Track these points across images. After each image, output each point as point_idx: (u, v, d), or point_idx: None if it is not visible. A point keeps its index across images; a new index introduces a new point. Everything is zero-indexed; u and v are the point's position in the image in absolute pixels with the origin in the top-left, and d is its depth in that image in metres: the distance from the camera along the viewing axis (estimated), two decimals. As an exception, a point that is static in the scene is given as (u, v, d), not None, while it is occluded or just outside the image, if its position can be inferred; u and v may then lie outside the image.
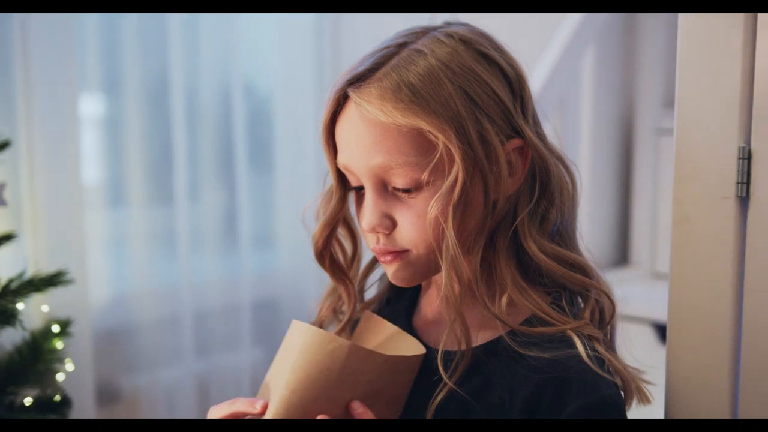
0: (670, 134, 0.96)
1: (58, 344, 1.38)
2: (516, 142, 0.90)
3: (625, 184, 2.28)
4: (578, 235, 1.00)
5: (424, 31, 0.91)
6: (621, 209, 2.28)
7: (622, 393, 0.91)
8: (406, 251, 0.91)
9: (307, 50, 2.43)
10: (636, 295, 1.99)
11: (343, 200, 0.96)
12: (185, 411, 2.21)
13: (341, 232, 1.00)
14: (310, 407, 0.85)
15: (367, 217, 0.90)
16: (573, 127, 2.01)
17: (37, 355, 1.35)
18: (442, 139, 0.84)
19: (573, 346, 0.88)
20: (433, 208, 0.86)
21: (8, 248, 1.54)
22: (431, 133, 0.85)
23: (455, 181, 0.85)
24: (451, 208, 0.86)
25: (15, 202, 1.78)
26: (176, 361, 2.19)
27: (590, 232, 2.17)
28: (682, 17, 0.93)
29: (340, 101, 0.90)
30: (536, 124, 0.95)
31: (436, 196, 0.86)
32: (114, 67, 2.05)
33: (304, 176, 2.40)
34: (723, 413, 0.92)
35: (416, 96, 0.85)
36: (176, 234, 2.16)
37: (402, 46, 0.89)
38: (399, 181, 0.88)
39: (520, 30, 2.15)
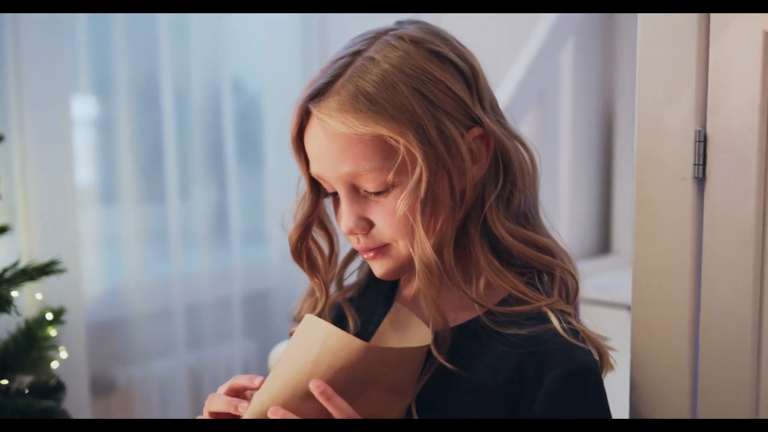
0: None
1: (52, 332, 1.43)
2: (476, 131, 0.94)
3: (606, 174, 2.32)
4: (541, 215, 1.03)
5: (376, 36, 0.95)
6: (602, 199, 2.33)
7: (598, 360, 0.95)
8: (387, 245, 0.95)
9: (295, 47, 2.48)
10: (617, 283, 2.04)
11: (315, 205, 1.00)
12: (178, 402, 2.25)
13: (317, 232, 1.04)
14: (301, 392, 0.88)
15: (344, 221, 0.95)
16: (553, 119, 2.06)
17: (31, 343, 1.40)
18: (403, 143, 0.89)
19: (548, 321, 0.92)
20: (401, 207, 0.90)
21: (2, 244, 1.58)
22: (391, 137, 0.89)
23: (419, 179, 0.89)
24: (418, 205, 0.90)
25: (9, 198, 1.83)
26: (169, 353, 2.23)
27: (572, 222, 2.22)
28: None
29: (304, 116, 0.94)
30: (494, 110, 0.99)
31: (402, 195, 0.90)
32: (104, 66, 2.09)
33: (293, 172, 2.40)
34: (684, 383, 0.97)
35: (373, 104, 0.89)
36: (168, 230, 2.21)
37: (356, 54, 0.93)
38: (369, 185, 0.92)
39: (500, 23, 2.20)
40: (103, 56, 2.08)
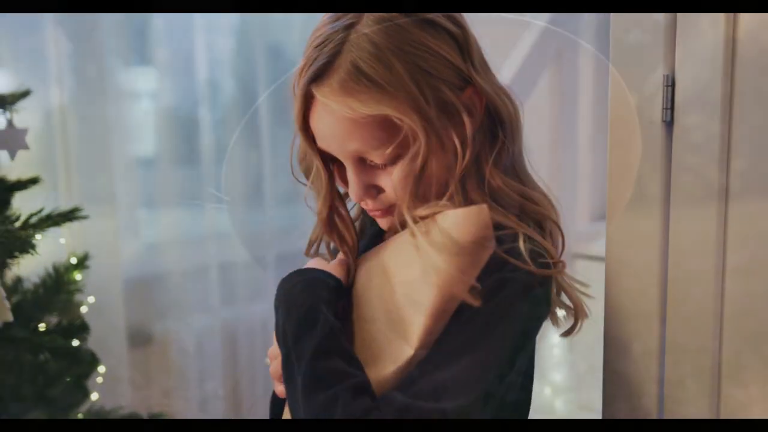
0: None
1: (77, 276, 1.52)
2: (469, 91, 0.96)
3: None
4: (528, 167, 1.05)
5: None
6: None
7: (571, 310, 0.97)
8: (394, 205, 0.99)
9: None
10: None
11: (331, 179, 1.01)
12: (214, 355, 2.35)
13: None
14: None
15: (354, 191, 0.98)
16: (572, 80, 2.07)
17: (59, 286, 1.50)
18: (407, 121, 0.91)
19: (516, 240, 0.93)
20: (397, 176, 0.94)
21: (40, 200, 1.68)
22: (396, 117, 0.91)
23: (418, 151, 0.92)
24: (419, 171, 0.93)
25: (50, 158, 1.93)
26: (205, 308, 2.33)
27: (593, 181, 2.24)
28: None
29: (308, 98, 0.95)
30: (483, 66, 1.00)
31: (401, 167, 0.94)
32: (142, 31, 2.17)
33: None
34: (653, 315, 1.02)
35: (375, 84, 0.90)
36: (204, 191, 2.31)
37: (349, 28, 0.93)
38: (376, 159, 0.95)
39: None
40: (141, 22, 2.17)
